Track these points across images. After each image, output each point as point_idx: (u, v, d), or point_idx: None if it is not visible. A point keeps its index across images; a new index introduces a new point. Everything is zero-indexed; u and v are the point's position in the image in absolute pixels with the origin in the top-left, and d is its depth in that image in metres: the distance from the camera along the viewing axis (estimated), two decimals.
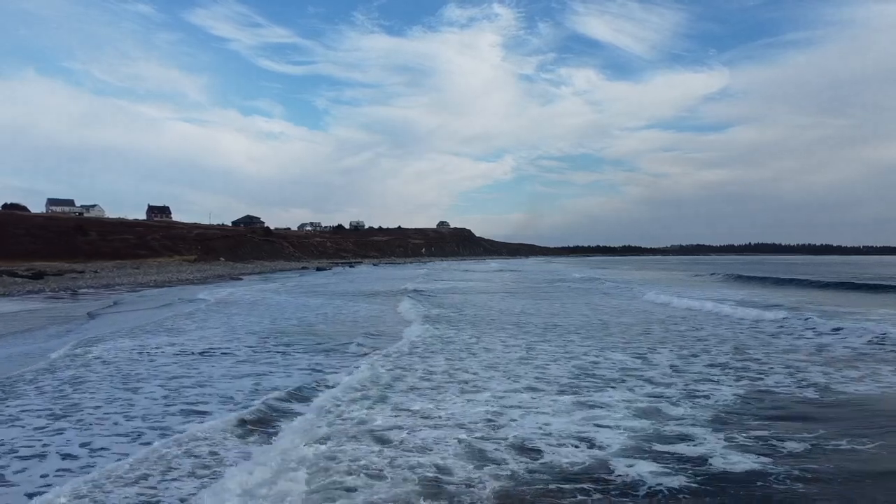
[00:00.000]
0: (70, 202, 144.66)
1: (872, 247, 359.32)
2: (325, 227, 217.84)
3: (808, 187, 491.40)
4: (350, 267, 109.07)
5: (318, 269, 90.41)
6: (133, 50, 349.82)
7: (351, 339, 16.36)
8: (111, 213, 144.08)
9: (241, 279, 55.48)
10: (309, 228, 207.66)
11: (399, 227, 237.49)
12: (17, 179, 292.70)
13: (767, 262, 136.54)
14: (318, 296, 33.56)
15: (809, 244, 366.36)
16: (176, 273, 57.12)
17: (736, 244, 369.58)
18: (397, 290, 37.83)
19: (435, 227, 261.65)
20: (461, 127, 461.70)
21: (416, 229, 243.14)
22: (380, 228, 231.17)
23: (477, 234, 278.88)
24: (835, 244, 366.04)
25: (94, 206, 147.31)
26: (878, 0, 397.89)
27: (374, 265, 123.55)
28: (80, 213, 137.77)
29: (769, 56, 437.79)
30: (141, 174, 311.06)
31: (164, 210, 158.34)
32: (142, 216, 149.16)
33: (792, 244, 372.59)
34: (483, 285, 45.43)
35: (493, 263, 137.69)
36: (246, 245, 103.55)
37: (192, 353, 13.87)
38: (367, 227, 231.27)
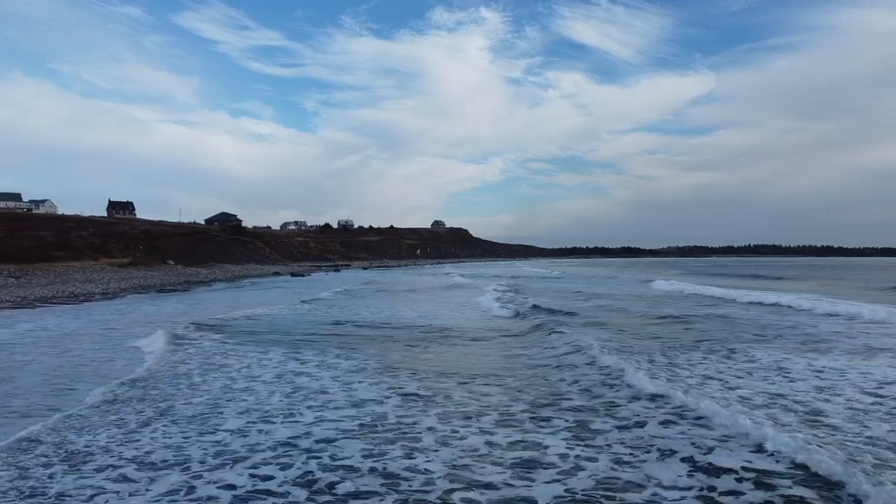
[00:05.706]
0: (17, 196, 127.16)
1: (874, 248, 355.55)
2: (312, 226, 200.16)
3: (794, 190, 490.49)
4: (335, 271, 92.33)
5: (294, 274, 73.66)
6: (122, 52, 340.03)
7: None
8: (69, 209, 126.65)
9: (173, 292, 39.07)
10: (292, 227, 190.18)
11: (392, 227, 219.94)
12: (3, 181, 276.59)
13: (826, 265, 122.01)
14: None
15: (811, 245, 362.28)
16: (83, 283, 40.50)
17: (735, 245, 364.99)
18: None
19: (429, 227, 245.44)
20: (449, 129, 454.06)
21: (409, 229, 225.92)
22: (370, 228, 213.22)
23: (473, 235, 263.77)
24: (835, 245, 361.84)
25: (44, 200, 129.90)
26: (858, 6, 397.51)
27: (364, 269, 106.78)
28: (29, 209, 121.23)
29: (753, 61, 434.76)
30: (131, 175, 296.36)
31: (128, 206, 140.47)
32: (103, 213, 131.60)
33: (793, 245, 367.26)
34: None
35: (483, 268, 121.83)
36: (207, 245, 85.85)
37: None
38: (356, 226, 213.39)
